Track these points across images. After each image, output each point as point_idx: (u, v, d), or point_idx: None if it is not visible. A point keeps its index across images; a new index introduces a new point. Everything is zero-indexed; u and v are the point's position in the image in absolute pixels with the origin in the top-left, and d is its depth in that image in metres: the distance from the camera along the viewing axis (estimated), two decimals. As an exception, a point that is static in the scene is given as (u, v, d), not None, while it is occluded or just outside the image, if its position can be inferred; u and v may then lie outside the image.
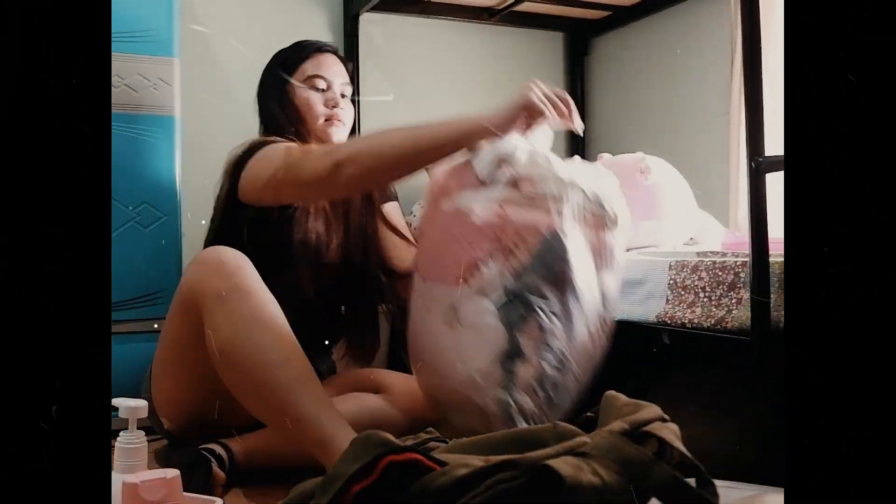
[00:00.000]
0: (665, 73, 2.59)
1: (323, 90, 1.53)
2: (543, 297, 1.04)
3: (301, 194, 1.35)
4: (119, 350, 1.16)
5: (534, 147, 1.13)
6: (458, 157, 1.16)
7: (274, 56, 1.59)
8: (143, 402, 0.93)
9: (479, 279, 1.05)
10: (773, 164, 1.01)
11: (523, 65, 2.93)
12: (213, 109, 2.05)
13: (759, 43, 1.03)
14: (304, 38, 1.63)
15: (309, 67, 1.54)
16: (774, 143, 1.08)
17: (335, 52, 1.59)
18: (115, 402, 0.89)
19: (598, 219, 1.09)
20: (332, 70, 1.56)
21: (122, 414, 0.88)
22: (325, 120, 1.52)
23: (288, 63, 1.55)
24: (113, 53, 1.72)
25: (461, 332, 1.07)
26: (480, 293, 1.05)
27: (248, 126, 1.58)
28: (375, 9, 2.50)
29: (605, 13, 2.77)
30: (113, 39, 1.66)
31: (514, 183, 1.08)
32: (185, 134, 1.75)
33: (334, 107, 1.53)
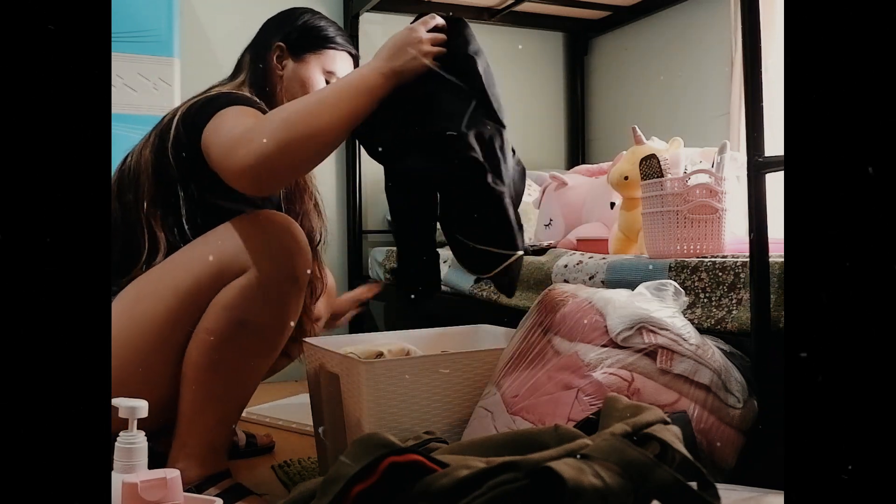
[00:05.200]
0: (665, 73, 2.59)
1: None
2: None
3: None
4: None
5: (676, 314, 1.06)
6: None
7: (293, 15, 1.40)
8: (143, 402, 0.93)
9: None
10: (772, 164, 1.01)
11: (523, 65, 2.93)
12: (212, 109, 2.05)
13: (759, 43, 1.03)
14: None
15: (332, 60, 1.39)
16: (776, 143, 1.08)
17: (355, 57, 1.43)
18: (115, 402, 0.88)
19: (719, 409, 1.01)
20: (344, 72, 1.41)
21: (122, 414, 0.88)
22: None
23: (309, 42, 1.37)
24: (113, 53, 1.72)
25: None
26: None
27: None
28: (375, 9, 2.50)
29: (605, 13, 2.77)
30: (113, 39, 1.66)
31: (651, 353, 1.01)
32: (184, 134, 1.75)
33: None
